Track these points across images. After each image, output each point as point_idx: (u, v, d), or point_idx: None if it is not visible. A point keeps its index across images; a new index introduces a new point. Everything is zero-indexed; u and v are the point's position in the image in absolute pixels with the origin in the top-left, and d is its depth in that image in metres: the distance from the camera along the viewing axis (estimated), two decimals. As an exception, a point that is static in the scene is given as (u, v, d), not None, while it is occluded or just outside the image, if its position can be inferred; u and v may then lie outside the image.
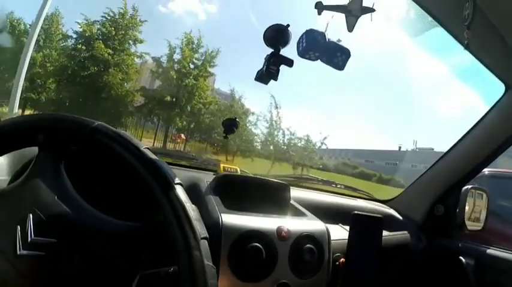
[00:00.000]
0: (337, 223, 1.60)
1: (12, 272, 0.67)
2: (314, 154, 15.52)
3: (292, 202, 1.52)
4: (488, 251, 1.85)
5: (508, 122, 1.74)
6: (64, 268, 0.69)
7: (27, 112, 13.18)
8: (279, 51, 1.09)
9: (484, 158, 1.84)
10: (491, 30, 1.21)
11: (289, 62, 1.10)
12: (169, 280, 0.73)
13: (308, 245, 1.22)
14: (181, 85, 13.33)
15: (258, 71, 1.11)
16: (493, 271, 1.79)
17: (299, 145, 14.83)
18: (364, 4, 1.08)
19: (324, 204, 1.77)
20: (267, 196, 1.46)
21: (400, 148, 29.77)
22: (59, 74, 12.87)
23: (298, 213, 1.43)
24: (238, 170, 1.66)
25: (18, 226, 0.69)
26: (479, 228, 1.92)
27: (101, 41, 12.42)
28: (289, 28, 1.09)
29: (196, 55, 13.87)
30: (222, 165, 1.64)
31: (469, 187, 1.86)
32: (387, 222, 1.88)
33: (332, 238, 1.35)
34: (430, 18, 1.30)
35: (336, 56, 1.13)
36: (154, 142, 14.10)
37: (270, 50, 1.11)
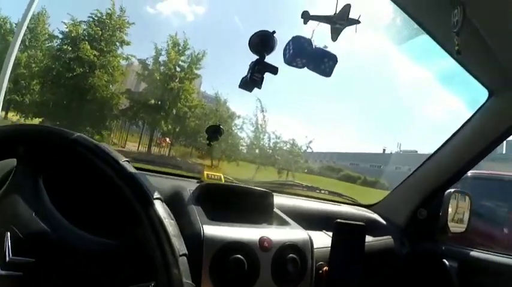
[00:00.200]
0: (321, 230, 1.60)
1: None
2: (299, 158, 15.51)
3: (275, 209, 1.51)
4: (472, 253, 1.88)
5: (490, 128, 1.77)
6: None
7: (11, 114, 12.97)
8: (264, 58, 1.09)
9: (467, 162, 1.87)
10: (476, 37, 1.22)
11: (274, 70, 1.09)
12: None
13: (291, 255, 1.22)
14: (166, 88, 13.16)
15: (242, 78, 1.11)
16: (476, 273, 1.82)
17: (285, 148, 14.86)
18: (350, 15, 1.09)
19: (307, 210, 1.77)
20: (250, 204, 1.44)
21: (384, 150, 30.08)
22: (43, 76, 12.58)
23: (281, 222, 1.43)
24: (222, 177, 1.64)
25: None
26: (463, 230, 1.94)
27: (87, 42, 12.14)
28: (275, 35, 1.09)
29: (182, 57, 13.68)
30: (205, 172, 1.61)
31: (452, 190, 1.88)
32: (371, 227, 1.89)
33: (316, 245, 1.35)
34: (416, 26, 1.32)
35: (322, 62, 1.13)
36: (139, 146, 13.98)
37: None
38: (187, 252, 0.76)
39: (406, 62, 1.66)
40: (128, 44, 13.13)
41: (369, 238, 1.78)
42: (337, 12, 1.09)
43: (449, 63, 1.47)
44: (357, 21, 1.11)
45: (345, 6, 1.08)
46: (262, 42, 1.08)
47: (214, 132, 1.59)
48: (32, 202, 0.76)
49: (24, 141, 0.79)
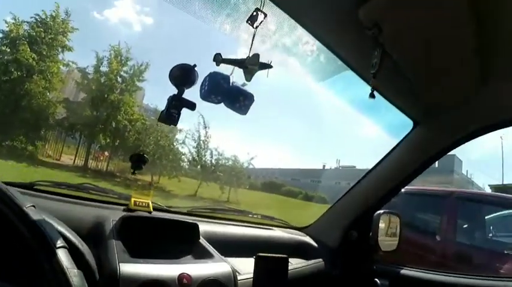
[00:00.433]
0: (251, 256, 1.54)
1: None
2: (242, 174, 15.62)
3: (201, 240, 1.49)
4: (402, 271, 1.96)
5: (416, 154, 1.87)
6: None
7: None
8: (183, 92, 1.06)
9: (395, 186, 1.96)
10: (399, 73, 1.29)
11: (191, 106, 1.07)
12: None
13: None
14: (106, 99, 12.60)
15: (162, 111, 1.07)
16: (406, 290, 1.90)
17: (227, 165, 14.88)
18: (262, 59, 1.10)
19: (238, 237, 1.77)
20: (174, 237, 1.42)
21: (324, 166, 31.15)
22: (-24, 78, 11.48)
23: (205, 254, 1.40)
24: (150, 204, 1.58)
25: None
26: (393, 248, 2.01)
27: (26, 44, 11.14)
28: (196, 68, 1.07)
29: (124, 68, 13.15)
30: (133, 199, 1.55)
31: (381, 211, 1.94)
32: (303, 250, 1.93)
33: (243, 275, 1.35)
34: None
35: (238, 101, 1.13)
36: (75, 159, 13.34)
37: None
38: None
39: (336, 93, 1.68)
40: (69, 49, 12.38)
41: (300, 262, 1.82)
42: (249, 56, 1.10)
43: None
44: (268, 66, 1.11)
45: (254, 54, 1.09)
46: (182, 75, 1.07)
47: (138, 161, 1.54)
48: None
49: None
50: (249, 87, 1.15)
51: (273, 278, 1.34)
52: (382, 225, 1.93)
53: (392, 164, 1.95)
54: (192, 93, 1.09)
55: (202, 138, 14.11)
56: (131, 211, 1.53)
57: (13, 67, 11.02)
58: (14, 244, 0.78)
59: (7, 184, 1.28)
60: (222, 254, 1.43)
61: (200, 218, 1.80)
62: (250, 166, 16.01)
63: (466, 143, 1.80)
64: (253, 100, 1.15)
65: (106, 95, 12.73)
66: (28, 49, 11.11)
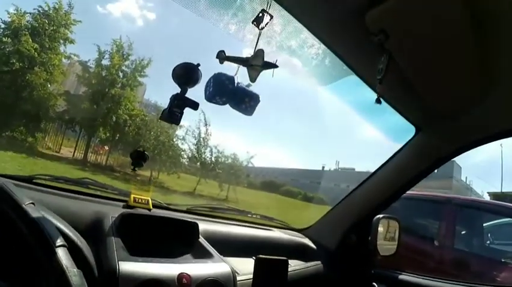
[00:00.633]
0: (250, 256, 1.57)
1: None
2: (241, 172, 15.62)
3: (201, 239, 1.48)
4: (400, 276, 1.97)
5: (417, 160, 1.87)
6: None
7: None
8: (186, 92, 1.06)
9: (394, 191, 1.96)
10: (404, 79, 1.28)
11: (194, 106, 1.07)
12: None
13: None
14: (107, 93, 12.60)
15: (164, 110, 1.07)
16: (403, 295, 1.90)
17: (226, 162, 14.88)
18: (267, 59, 1.08)
19: (238, 237, 1.77)
20: (173, 235, 1.42)
21: (323, 167, 31.20)
22: (-22, 69, 11.28)
23: (204, 254, 1.40)
24: (150, 201, 1.58)
25: None
26: (392, 253, 2.00)
27: (28, 35, 11.07)
28: (199, 67, 1.06)
29: (126, 62, 13.14)
30: (132, 196, 1.55)
31: (381, 216, 1.93)
32: (301, 252, 1.92)
33: (242, 276, 1.36)
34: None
35: (243, 101, 1.12)
36: (74, 152, 13.32)
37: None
38: None
39: (342, 94, 1.67)
40: (71, 42, 12.29)
41: (299, 263, 1.82)
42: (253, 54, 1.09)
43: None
44: (274, 65, 1.10)
45: (258, 50, 1.08)
46: (185, 74, 1.06)
47: (138, 158, 1.54)
48: None
49: None
50: (252, 88, 1.15)
51: (273, 280, 1.33)
52: (381, 229, 1.93)
53: (393, 169, 1.95)
54: (194, 92, 1.09)
55: (203, 135, 14.11)
56: (130, 207, 1.53)
57: (15, 58, 10.92)
58: (13, 241, 0.78)
59: (6, 176, 1.29)
60: (221, 254, 1.43)
61: (199, 217, 1.80)
62: (250, 165, 16.04)
63: (466, 150, 1.80)
64: (259, 101, 1.15)
65: (107, 89, 12.69)
66: (30, 40, 11.04)
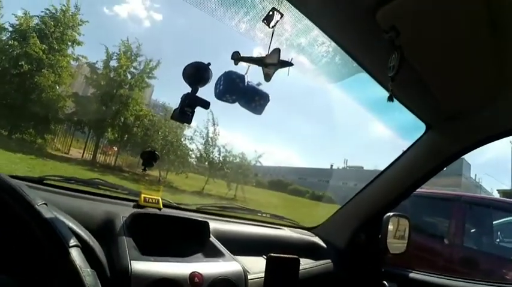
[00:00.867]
0: (261, 255, 1.59)
1: None
2: (249, 171, 15.63)
3: (211, 238, 1.48)
4: (411, 275, 1.96)
5: (427, 158, 1.86)
6: None
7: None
8: (197, 91, 1.06)
9: (404, 189, 1.94)
10: (414, 76, 1.28)
11: (205, 105, 1.06)
12: None
13: None
14: (115, 94, 12.66)
15: (175, 109, 1.07)
16: (415, 294, 1.89)
17: (234, 162, 14.88)
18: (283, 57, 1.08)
19: (248, 236, 1.77)
20: (184, 234, 1.42)
21: (331, 166, 31.16)
22: (-13, 71, 11.39)
23: (216, 253, 1.40)
24: (160, 201, 1.59)
25: None
26: (402, 251, 1.99)
27: (36, 38, 11.17)
28: (210, 66, 1.06)
29: (134, 64, 13.21)
30: (142, 195, 1.57)
31: (391, 214, 1.92)
32: (311, 250, 1.92)
33: (253, 275, 1.36)
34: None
35: (253, 100, 1.12)
36: (83, 153, 13.43)
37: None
38: None
39: (352, 91, 1.66)
40: (79, 44, 12.39)
41: (308, 262, 1.81)
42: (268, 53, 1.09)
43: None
44: (289, 64, 1.10)
45: (274, 49, 1.08)
46: (196, 74, 1.06)
47: (149, 158, 1.55)
48: None
49: None
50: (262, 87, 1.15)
51: (284, 278, 1.34)
52: (391, 227, 1.92)
53: (403, 167, 1.93)
54: (202, 91, 1.10)
55: (211, 135, 14.14)
56: (141, 207, 1.54)
57: (23, 60, 11.00)
58: (26, 242, 0.79)
59: (17, 178, 1.30)
60: (231, 253, 1.43)
61: (210, 216, 1.80)
62: (258, 164, 16.05)
63: (475, 147, 1.79)
64: (269, 100, 1.14)
65: (115, 91, 12.76)
66: (38, 42, 11.11)
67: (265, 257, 1.46)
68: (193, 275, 1.16)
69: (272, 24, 1.04)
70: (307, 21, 1.11)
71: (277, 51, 1.07)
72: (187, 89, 1.07)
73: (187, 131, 14.05)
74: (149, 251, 1.19)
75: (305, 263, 1.77)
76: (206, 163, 14.44)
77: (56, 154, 12.13)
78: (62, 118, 12.83)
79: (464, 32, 1.05)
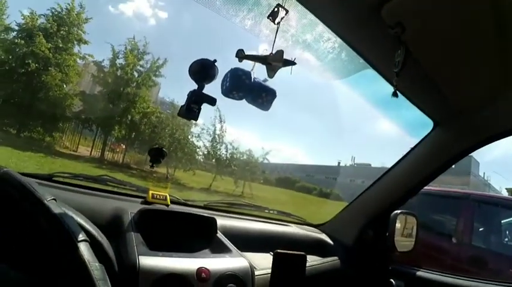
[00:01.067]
0: (268, 252, 1.59)
1: None
2: (256, 169, 15.66)
3: (219, 234, 1.49)
4: (418, 273, 1.94)
5: (435, 155, 1.85)
6: None
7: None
8: (203, 88, 1.06)
9: (412, 187, 1.93)
10: (421, 72, 1.27)
11: (212, 101, 1.07)
12: None
13: (230, 285, 1.21)
14: (122, 93, 12.74)
15: (182, 106, 1.08)
16: (422, 292, 1.88)
17: (241, 159, 14.91)
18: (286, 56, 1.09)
19: (255, 232, 1.78)
20: (192, 230, 1.43)
21: (339, 163, 31.12)
22: (-4, 70, 11.56)
23: (223, 248, 1.41)
24: (168, 197, 1.61)
25: None
26: (410, 249, 1.98)
27: (42, 37, 11.36)
28: (216, 63, 1.07)
29: (141, 62, 13.36)
30: (150, 192, 1.58)
31: (398, 211, 1.91)
32: (319, 247, 1.92)
33: (259, 271, 1.36)
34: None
35: (260, 96, 1.12)
36: (92, 151, 13.54)
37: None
38: None
39: (359, 87, 1.66)
40: (85, 43, 12.54)
41: (316, 259, 1.81)
42: (272, 53, 1.09)
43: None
44: (292, 63, 1.11)
45: (278, 51, 1.08)
46: (202, 71, 1.07)
47: (156, 155, 1.56)
48: None
49: None
50: (269, 83, 1.15)
51: (291, 275, 1.34)
52: (398, 225, 1.91)
53: (411, 164, 1.92)
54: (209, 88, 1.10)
55: (218, 132, 14.17)
56: (149, 203, 1.55)
57: (30, 59, 11.16)
58: (36, 237, 0.80)
59: (27, 175, 1.32)
60: (238, 249, 1.44)
61: (217, 212, 1.81)
62: (265, 161, 16.05)
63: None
64: (276, 96, 1.15)
65: (122, 89, 12.84)
66: (44, 41, 11.23)
67: (271, 253, 1.46)
68: (200, 270, 1.17)
69: (277, 20, 1.05)
70: (312, 17, 1.11)
71: (280, 52, 1.08)
72: (194, 86, 1.07)
73: (195, 129, 14.11)
74: (157, 247, 1.20)
75: (312, 260, 1.78)
76: (213, 160, 14.48)
77: (64, 152, 12.25)
78: (70, 116, 12.97)
79: (470, 28, 1.04)
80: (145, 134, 13.27)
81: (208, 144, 14.33)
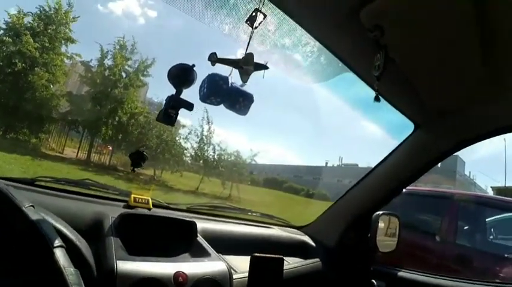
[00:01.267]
0: (249, 254, 1.58)
1: None
2: (244, 170, 15.67)
3: (199, 238, 1.50)
4: (399, 273, 1.97)
5: (415, 157, 1.87)
6: None
7: None
8: (181, 93, 1.07)
9: (394, 187, 1.95)
10: (401, 76, 1.28)
11: (189, 106, 1.08)
12: None
13: None
14: (110, 93, 12.60)
15: (160, 111, 1.08)
16: (404, 292, 1.90)
17: (229, 160, 14.91)
18: (258, 60, 1.09)
19: (237, 235, 1.79)
20: (171, 234, 1.44)
21: (326, 163, 31.29)
22: (-20, 70, 11.28)
23: (202, 252, 1.42)
24: (150, 201, 1.62)
25: None
26: (392, 249, 2.00)
27: (29, 36, 11.10)
28: (194, 68, 1.07)
29: (129, 62, 13.15)
30: (132, 196, 1.59)
31: (380, 212, 1.93)
32: (301, 249, 1.93)
33: (240, 274, 1.38)
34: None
35: (237, 101, 1.12)
36: (78, 152, 13.39)
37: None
38: None
39: (339, 91, 1.66)
40: (73, 42, 12.30)
41: (297, 261, 1.84)
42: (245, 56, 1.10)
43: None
44: (264, 67, 1.11)
45: (248, 54, 1.09)
46: (180, 75, 1.07)
47: (137, 159, 1.56)
48: None
49: None
50: (254, 86, 1.15)
51: (268, 278, 1.35)
52: (381, 225, 1.93)
53: (393, 165, 1.94)
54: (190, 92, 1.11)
55: (205, 133, 14.14)
56: (131, 207, 1.56)
57: (16, 59, 10.93)
58: (13, 243, 0.81)
59: (10, 179, 1.33)
60: (220, 252, 1.45)
61: (200, 215, 1.83)
62: (253, 162, 16.06)
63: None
64: (253, 100, 1.14)
65: (109, 89, 12.70)
66: (31, 40, 11.04)
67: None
68: (177, 274, 1.18)
69: (255, 25, 1.05)
70: (291, 22, 1.12)
71: (250, 55, 1.08)
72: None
73: (182, 130, 14.07)
74: (137, 251, 1.21)
75: (293, 263, 1.80)
76: (201, 162, 14.45)
77: (50, 154, 12.10)
78: (56, 117, 12.76)
79: (449, 31, 1.05)
80: (133, 135, 13.17)
81: (195, 145, 14.32)
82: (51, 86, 11.92)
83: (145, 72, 13.35)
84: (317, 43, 1.24)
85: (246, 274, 1.38)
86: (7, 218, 0.77)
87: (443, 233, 4.87)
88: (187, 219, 1.53)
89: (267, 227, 2.03)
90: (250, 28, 1.06)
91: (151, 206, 1.61)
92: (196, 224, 1.51)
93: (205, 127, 14.05)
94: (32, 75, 11.12)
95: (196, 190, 13.44)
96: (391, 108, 1.63)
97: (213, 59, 1.09)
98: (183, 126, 13.81)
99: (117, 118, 12.78)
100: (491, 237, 5.05)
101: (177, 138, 14.07)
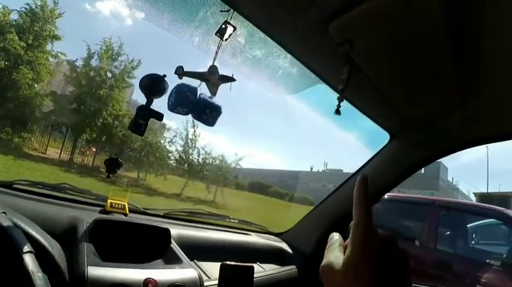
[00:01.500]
0: (225, 261, 1.60)
1: None
2: (229, 174, 15.69)
3: (172, 245, 1.50)
4: None
5: (392, 167, 1.90)
6: None
7: None
8: (151, 102, 1.08)
9: (372, 195, 1.92)
10: (374, 88, 1.30)
11: (159, 116, 1.10)
12: None
13: None
14: (95, 94, 12.50)
15: (131, 121, 1.09)
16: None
17: (214, 164, 14.91)
18: (224, 72, 1.12)
19: (213, 242, 1.79)
20: (145, 241, 1.44)
21: (311, 168, 31.51)
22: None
23: (174, 259, 1.42)
24: (126, 206, 1.62)
25: None
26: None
27: (15, 33, 11.00)
28: (166, 78, 1.09)
29: (115, 63, 13.18)
30: (109, 201, 1.60)
31: None
32: (278, 256, 1.94)
33: (216, 278, 1.36)
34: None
35: (204, 113, 1.14)
36: (61, 153, 13.24)
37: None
38: None
39: (312, 102, 1.67)
40: (58, 39, 12.23)
41: (273, 268, 1.84)
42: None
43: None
44: (231, 79, 1.13)
45: (211, 66, 1.11)
46: (151, 85, 1.08)
47: (112, 165, 1.56)
48: None
49: None
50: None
51: (238, 286, 1.35)
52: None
53: (369, 174, 1.95)
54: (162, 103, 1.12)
55: (190, 136, 14.13)
56: (107, 212, 1.56)
57: (0, 56, 10.82)
58: None
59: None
60: (195, 259, 1.48)
61: (177, 221, 1.84)
62: (238, 167, 16.09)
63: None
64: (221, 112, 1.16)
65: (94, 90, 12.60)
66: (16, 38, 10.91)
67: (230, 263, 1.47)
68: (147, 281, 1.18)
69: (225, 37, 1.06)
70: (261, 34, 1.12)
71: (214, 67, 1.11)
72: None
73: (168, 134, 14.05)
74: (110, 257, 1.22)
75: (269, 269, 1.81)
76: (185, 165, 14.41)
77: (32, 154, 11.98)
78: (40, 117, 12.65)
79: (421, 43, 1.05)
80: (117, 137, 13.08)
81: (180, 148, 14.30)
82: (35, 85, 11.81)
83: (130, 74, 13.30)
84: (288, 55, 1.25)
85: (217, 282, 1.38)
86: None
87: (423, 238, 4.93)
88: (161, 226, 1.53)
89: (245, 234, 2.03)
90: (221, 40, 1.07)
91: (127, 212, 1.62)
92: (170, 231, 1.52)
93: (191, 131, 14.07)
94: (16, 74, 11.01)
95: (180, 194, 13.39)
96: (367, 120, 1.64)
97: (180, 72, 1.11)
98: (168, 129, 13.79)
99: (101, 119, 12.69)
100: (473, 242, 5.13)
101: (161, 141, 14.05)
